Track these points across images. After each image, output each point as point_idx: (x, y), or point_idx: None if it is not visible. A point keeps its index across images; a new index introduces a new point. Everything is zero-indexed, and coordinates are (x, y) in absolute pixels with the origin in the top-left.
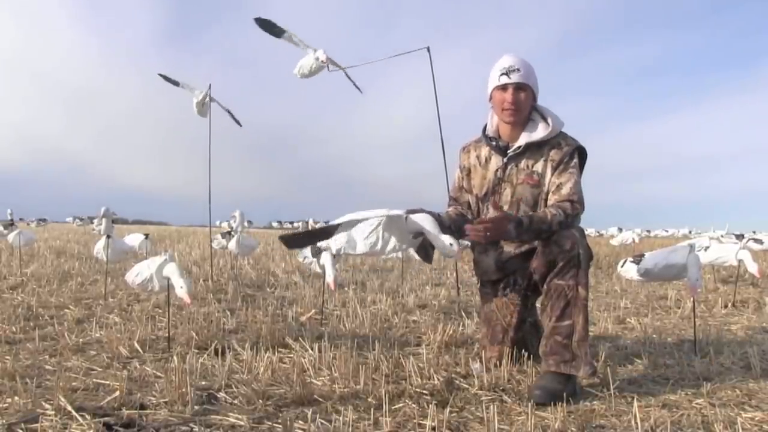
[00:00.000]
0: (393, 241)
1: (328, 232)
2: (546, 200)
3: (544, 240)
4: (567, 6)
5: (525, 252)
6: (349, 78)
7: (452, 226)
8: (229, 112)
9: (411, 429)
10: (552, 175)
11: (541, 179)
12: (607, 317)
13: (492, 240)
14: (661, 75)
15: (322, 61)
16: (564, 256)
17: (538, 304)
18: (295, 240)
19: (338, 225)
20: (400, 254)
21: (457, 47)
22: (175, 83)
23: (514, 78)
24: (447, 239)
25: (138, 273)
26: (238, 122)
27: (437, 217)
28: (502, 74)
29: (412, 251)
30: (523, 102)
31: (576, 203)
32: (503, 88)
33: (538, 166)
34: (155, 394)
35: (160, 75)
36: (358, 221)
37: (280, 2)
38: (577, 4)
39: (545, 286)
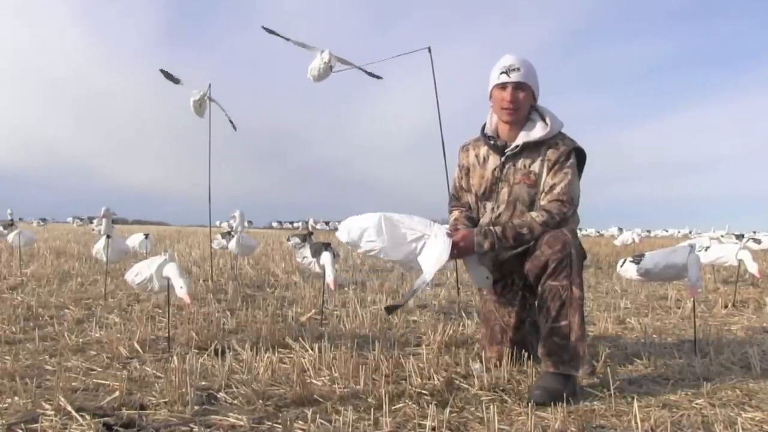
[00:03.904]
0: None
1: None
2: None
3: (536, 242)
4: (568, 6)
5: (522, 253)
6: (364, 71)
7: None
8: (226, 113)
9: (411, 429)
10: (547, 175)
11: (537, 179)
12: (607, 317)
13: (462, 255)
14: (662, 74)
15: (325, 62)
16: (556, 257)
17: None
18: (398, 305)
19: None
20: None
21: (459, 47)
22: (176, 81)
23: (514, 77)
24: (485, 272)
25: (138, 273)
26: (233, 125)
27: None
28: (502, 73)
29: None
30: (521, 101)
31: (565, 203)
32: (503, 86)
33: (535, 166)
34: (155, 394)
35: (162, 71)
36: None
37: (280, 2)
38: (578, 3)
39: (540, 288)
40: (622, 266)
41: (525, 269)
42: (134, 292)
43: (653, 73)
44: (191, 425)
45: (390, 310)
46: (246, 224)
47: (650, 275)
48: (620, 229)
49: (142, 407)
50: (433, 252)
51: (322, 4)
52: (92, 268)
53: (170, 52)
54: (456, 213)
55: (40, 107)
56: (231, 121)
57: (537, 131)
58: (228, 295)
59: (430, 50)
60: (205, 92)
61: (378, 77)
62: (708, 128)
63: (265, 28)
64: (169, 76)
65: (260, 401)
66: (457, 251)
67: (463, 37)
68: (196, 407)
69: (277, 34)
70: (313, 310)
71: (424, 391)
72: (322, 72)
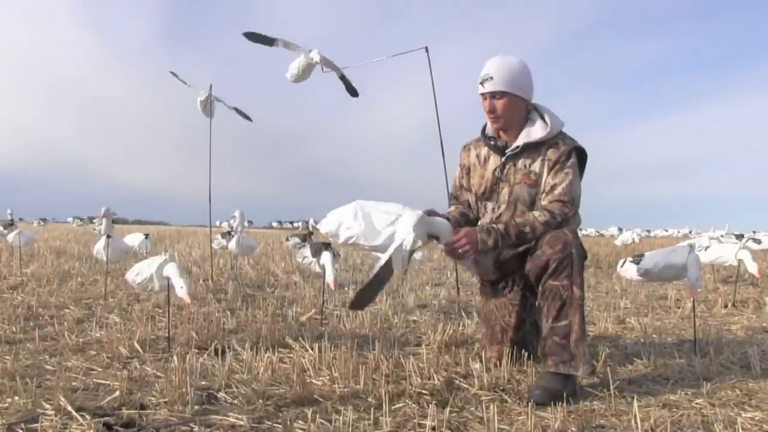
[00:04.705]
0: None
1: (383, 275)
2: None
3: (537, 242)
4: (569, 5)
5: (523, 252)
6: (344, 80)
7: (455, 226)
8: (236, 109)
9: (411, 429)
10: (548, 175)
11: (538, 179)
12: (607, 317)
13: (469, 254)
14: (662, 74)
15: (316, 61)
16: (557, 257)
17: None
18: (366, 297)
19: (386, 265)
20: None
21: (458, 46)
22: (183, 82)
23: (488, 87)
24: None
25: (138, 273)
26: (248, 117)
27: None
28: (480, 83)
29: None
30: (500, 109)
31: (567, 203)
32: (483, 96)
33: (536, 166)
34: (155, 394)
35: (171, 72)
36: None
37: (280, 1)
38: (581, 3)
39: (540, 288)
40: (622, 266)
41: (526, 269)
42: (134, 292)
43: (654, 72)
44: (191, 425)
45: (355, 304)
46: (246, 224)
47: (650, 275)
48: (620, 229)
49: (142, 407)
50: (404, 225)
51: (322, 4)
52: (92, 268)
53: (171, 52)
54: (451, 209)
55: (41, 107)
56: (244, 115)
57: (537, 131)
58: (228, 295)
59: (427, 50)
60: (208, 93)
61: (355, 94)
62: (708, 128)
63: (246, 35)
64: (177, 77)
65: (260, 401)
66: (462, 250)
67: (462, 36)
68: (196, 407)
69: (261, 41)
70: (313, 310)
71: (424, 391)
72: (304, 71)
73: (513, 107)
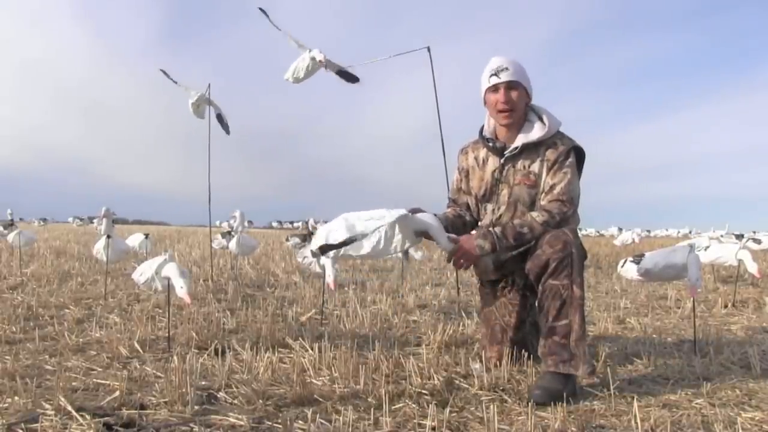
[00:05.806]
0: (396, 240)
1: (346, 243)
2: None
3: (537, 241)
4: (569, 6)
5: (523, 252)
6: (341, 74)
7: (449, 227)
8: (219, 117)
9: (411, 429)
10: (547, 175)
11: (537, 179)
12: (607, 317)
13: (471, 263)
14: (662, 75)
15: (319, 61)
16: (557, 256)
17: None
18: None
19: (353, 237)
20: (400, 254)
21: (460, 46)
22: (174, 81)
23: (504, 77)
24: (451, 236)
25: (142, 273)
26: (226, 130)
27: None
28: (492, 75)
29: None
30: (515, 100)
31: (565, 203)
32: (494, 89)
33: (535, 167)
34: (155, 394)
35: (161, 71)
36: (364, 232)
37: (280, 1)
38: (580, 3)
39: (540, 287)
40: (622, 266)
41: (526, 268)
42: (134, 292)
43: (654, 72)
44: (191, 425)
45: (324, 249)
46: (246, 224)
47: (650, 275)
48: (620, 229)
49: (142, 407)
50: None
51: (322, 3)
52: (92, 268)
53: (172, 52)
54: (448, 211)
55: (41, 108)
56: (224, 125)
57: (535, 132)
58: (228, 295)
59: (429, 50)
60: (203, 94)
61: (356, 80)
62: (708, 128)
63: (261, 9)
64: (167, 76)
65: (260, 401)
66: (463, 259)
67: (464, 36)
68: (196, 407)
69: (271, 21)
70: (313, 310)
71: (424, 391)
72: (310, 71)
73: (522, 101)
